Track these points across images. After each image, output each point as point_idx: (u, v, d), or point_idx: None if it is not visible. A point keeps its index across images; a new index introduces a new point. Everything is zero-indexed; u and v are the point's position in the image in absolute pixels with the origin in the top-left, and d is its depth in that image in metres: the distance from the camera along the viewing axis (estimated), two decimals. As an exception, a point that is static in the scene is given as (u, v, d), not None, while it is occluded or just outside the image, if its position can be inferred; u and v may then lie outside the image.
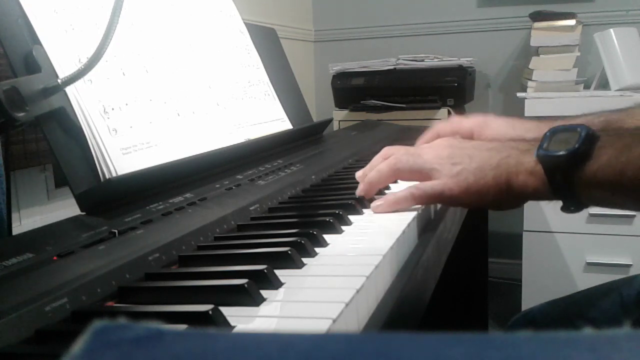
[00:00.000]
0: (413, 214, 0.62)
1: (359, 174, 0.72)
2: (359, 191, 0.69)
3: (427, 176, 0.63)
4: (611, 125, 0.63)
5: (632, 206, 0.56)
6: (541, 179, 0.57)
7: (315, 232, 0.54)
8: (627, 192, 0.53)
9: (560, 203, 0.58)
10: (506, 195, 0.59)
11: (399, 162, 0.66)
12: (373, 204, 0.66)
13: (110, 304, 0.44)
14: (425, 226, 0.66)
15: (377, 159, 0.70)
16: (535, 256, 1.86)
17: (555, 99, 1.81)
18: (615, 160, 0.53)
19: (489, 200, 0.60)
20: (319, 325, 0.36)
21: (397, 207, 0.65)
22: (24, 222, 1.00)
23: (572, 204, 0.57)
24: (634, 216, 1.75)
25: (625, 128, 0.56)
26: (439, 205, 0.74)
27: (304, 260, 0.49)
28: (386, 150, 0.69)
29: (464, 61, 1.95)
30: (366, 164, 0.72)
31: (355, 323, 0.40)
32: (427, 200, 0.64)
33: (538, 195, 0.58)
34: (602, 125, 0.66)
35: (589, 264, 1.81)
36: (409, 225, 0.59)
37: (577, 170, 0.54)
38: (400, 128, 1.48)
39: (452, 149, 0.64)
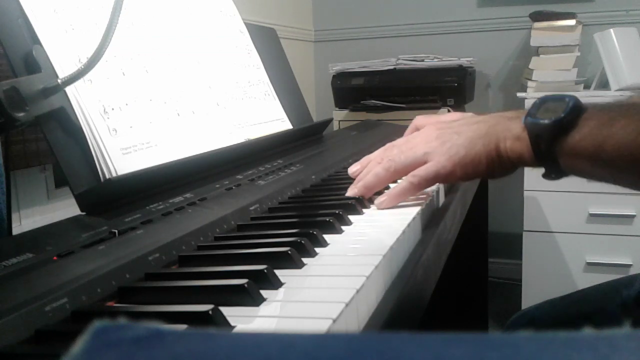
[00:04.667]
0: (413, 213, 0.62)
1: (352, 170, 0.72)
2: (354, 193, 0.69)
3: (422, 163, 0.65)
4: (610, 104, 0.65)
5: (610, 179, 0.57)
6: (526, 145, 0.58)
7: (315, 232, 0.54)
8: (605, 164, 0.54)
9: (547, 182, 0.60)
10: (498, 162, 0.61)
11: (393, 162, 0.67)
12: (377, 201, 0.67)
13: (110, 304, 0.44)
14: (426, 225, 0.66)
15: (372, 160, 0.70)
16: (535, 256, 1.86)
17: (555, 99, 1.81)
18: (597, 132, 0.54)
19: (483, 170, 0.62)
20: (319, 325, 0.36)
21: (401, 199, 0.66)
22: (24, 222, 1.00)
23: (553, 172, 0.59)
24: (634, 216, 1.75)
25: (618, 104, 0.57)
26: (440, 205, 0.74)
27: (304, 260, 0.49)
28: (381, 151, 0.70)
29: (464, 61, 1.95)
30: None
31: (355, 323, 0.40)
32: (426, 183, 0.65)
33: (523, 161, 0.60)
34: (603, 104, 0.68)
35: (589, 264, 1.81)
36: (409, 225, 0.59)
37: (560, 139, 0.56)
38: (401, 128, 1.47)
39: (439, 130, 0.66)
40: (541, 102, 0.59)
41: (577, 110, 0.56)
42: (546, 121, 0.56)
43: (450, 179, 0.64)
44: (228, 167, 0.80)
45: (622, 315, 0.75)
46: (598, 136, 0.54)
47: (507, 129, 0.60)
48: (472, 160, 0.61)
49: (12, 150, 0.88)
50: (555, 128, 0.56)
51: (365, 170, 0.71)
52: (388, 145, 0.71)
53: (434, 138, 0.65)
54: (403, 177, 0.66)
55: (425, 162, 0.64)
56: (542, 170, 0.60)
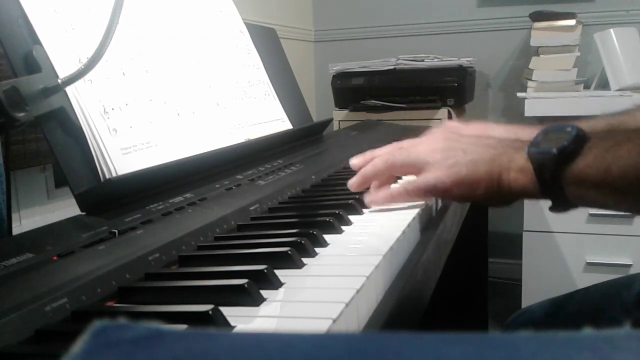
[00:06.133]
0: (413, 214, 0.62)
1: (353, 162, 0.72)
2: (351, 182, 0.70)
3: (420, 169, 0.64)
4: (614, 129, 0.64)
5: (618, 206, 0.56)
6: (530, 176, 0.57)
7: (315, 232, 0.54)
8: (612, 190, 0.53)
9: (549, 203, 0.58)
10: (497, 191, 0.60)
11: (392, 156, 0.67)
12: (367, 198, 0.67)
13: (110, 304, 0.44)
14: (426, 225, 0.66)
15: (375, 153, 0.71)
16: (535, 256, 1.86)
17: (555, 99, 1.81)
18: (601, 157, 0.53)
19: (479, 194, 0.61)
20: (319, 325, 0.36)
21: (391, 201, 0.66)
22: (24, 222, 1.00)
23: (560, 203, 0.57)
24: (634, 216, 1.75)
25: (623, 129, 0.56)
26: (439, 205, 0.74)
27: (304, 260, 0.49)
28: (387, 147, 0.70)
29: (464, 61, 1.95)
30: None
31: (355, 323, 0.40)
32: (420, 193, 0.64)
33: (527, 193, 0.58)
34: (606, 129, 0.66)
35: (589, 264, 1.81)
36: (409, 225, 0.59)
37: (565, 167, 0.55)
38: (400, 128, 1.47)
39: (447, 142, 0.65)
40: (544, 133, 0.58)
41: (580, 138, 0.55)
42: (550, 150, 0.55)
43: (444, 194, 0.63)
44: (228, 167, 0.80)
45: (622, 316, 0.74)
46: (603, 161, 0.53)
47: (511, 160, 0.59)
48: (471, 184, 0.60)
49: (12, 150, 0.88)
50: (559, 157, 0.54)
51: (365, 159, 0.71)
52: (396, 143, 0.70)
53: (440, 149, 0.64)
54: (399, 181, 0.66)
55: (422, 169, 0.64)
56: (549, 203, 0.59)
